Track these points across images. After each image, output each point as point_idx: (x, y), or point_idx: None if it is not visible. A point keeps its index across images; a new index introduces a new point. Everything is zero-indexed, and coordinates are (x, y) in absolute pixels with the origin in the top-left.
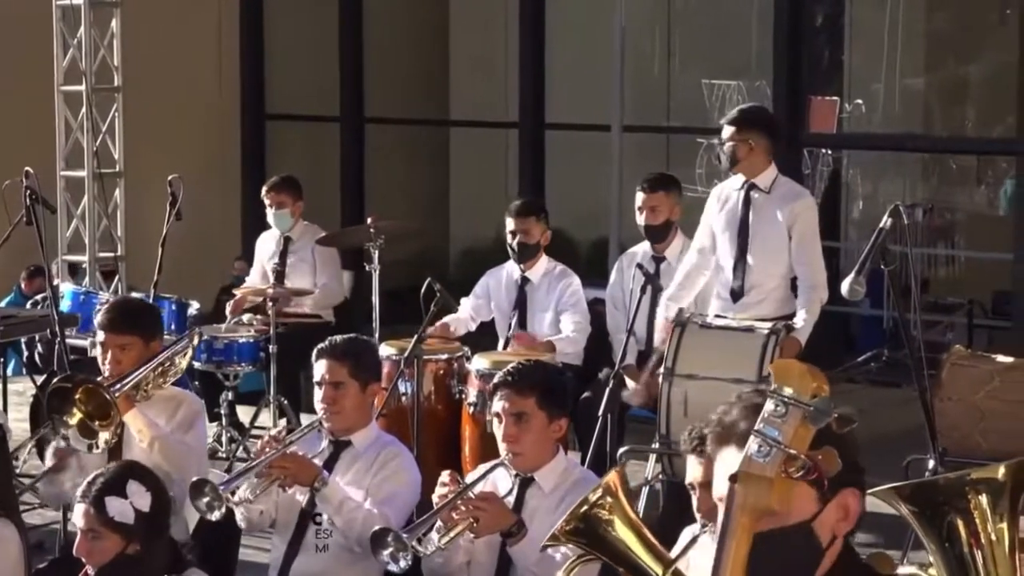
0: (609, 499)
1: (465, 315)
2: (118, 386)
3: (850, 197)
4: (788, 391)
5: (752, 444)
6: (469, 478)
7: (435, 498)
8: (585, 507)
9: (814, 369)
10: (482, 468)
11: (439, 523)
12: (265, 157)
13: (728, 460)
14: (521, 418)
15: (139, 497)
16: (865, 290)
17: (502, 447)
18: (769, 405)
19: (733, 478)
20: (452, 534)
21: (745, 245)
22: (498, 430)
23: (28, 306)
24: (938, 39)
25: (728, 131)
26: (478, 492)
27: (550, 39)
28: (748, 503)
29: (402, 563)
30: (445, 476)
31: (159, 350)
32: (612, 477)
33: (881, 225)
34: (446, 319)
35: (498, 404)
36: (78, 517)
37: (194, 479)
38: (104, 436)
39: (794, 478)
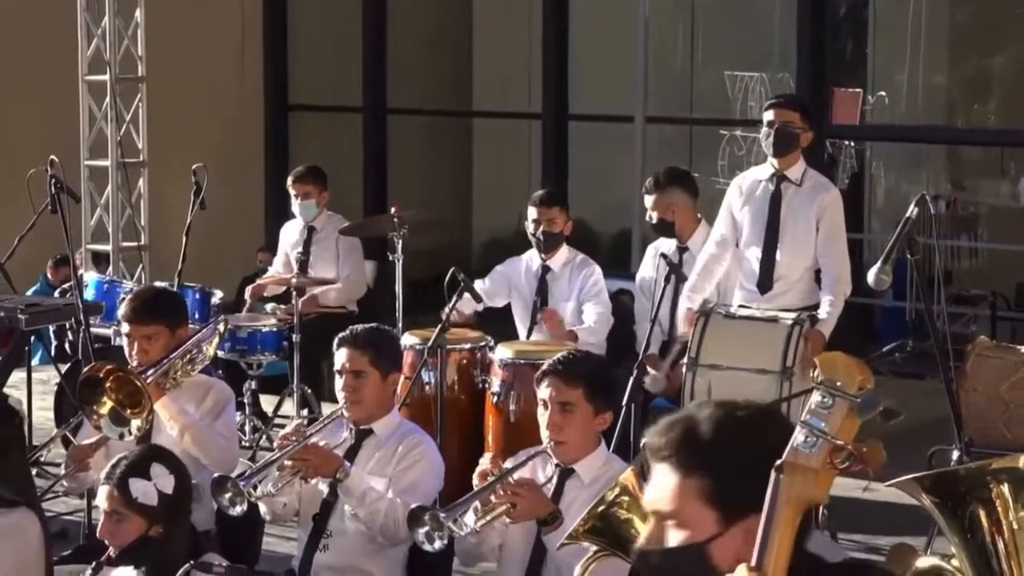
0: (626, 498)
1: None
2: (149, 373)
3: (873, 189)
4: (837, 383)
5: (799, 435)
6: (509, 463)
7: (475, 479)
8: (602, 506)
9: (860, 362)
10: (523, 455)
11: (476, 504)
12: (288, 148)
13: (660, 475)
14: (567, 407)
15: (163, 479)
16: (891, 280)
17: (545, 435)
18: (816, 396)
19: (779, 468)
20: (489, 517)
21: (775, 237)
22: (542, 417)
23: (56, 295)
24: (961, 32)
25: (789, 114)
26: (517, 477)
27: (573, 30)
28: (793, 494)
29: (437, 543)
30: (486, 459)
31: (186, 337)
32: (628, 476)
33: (907, 215)
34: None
35: (545, 391)
36: (102, 498)
37: (216, 475)
38: (136, 423)
39: (839, 469)
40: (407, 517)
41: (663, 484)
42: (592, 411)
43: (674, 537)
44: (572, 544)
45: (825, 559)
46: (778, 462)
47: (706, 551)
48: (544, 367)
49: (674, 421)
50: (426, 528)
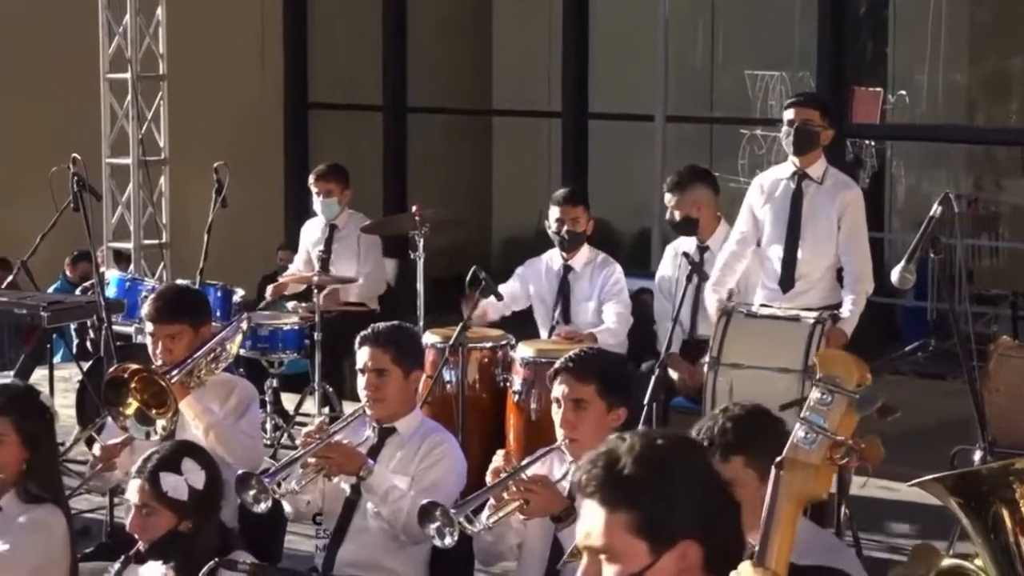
0: None
1: (500, 303)
2: (173, 373)
3: (893, 188)
4: (835, 379)
5: (799, 431)
6: (523, 461)
7: (488, 476)
8: None
9: (858, 359)
10: (537, 452)
11: (490, 501)
12: (307, 146)
13: (587, 511)
14: (580, 404)
15: (194, 474)
16: (915, 278)
17: (559, 432)
18: (815, 393)
19: (779, 465)
20: (501, 514)
21: (796, 236)
22: (556, 415)
23: (78, 292)
24: (982, 30)
25: (810, 113)
26: (531, 474)
27: (594, 28)
28: (793, 490)
29: (448, 539)
30: (499, 455)
31: (209, 336)
32: None
33: (931, 213)
34: (482, 303)
35: (558, 389)
36: (132, 492)
37: (239, 472)
38: (161, 423)
39: (838, 464)
40: (418, 512)
41: (591, 520)
42: (605, 407)
43: (608, 571)
44: (572, 561)
45: (795, 564)
46: (778, 459)
47: None
48: (556, 365)
49: (596, 456)
50: (437, 523)
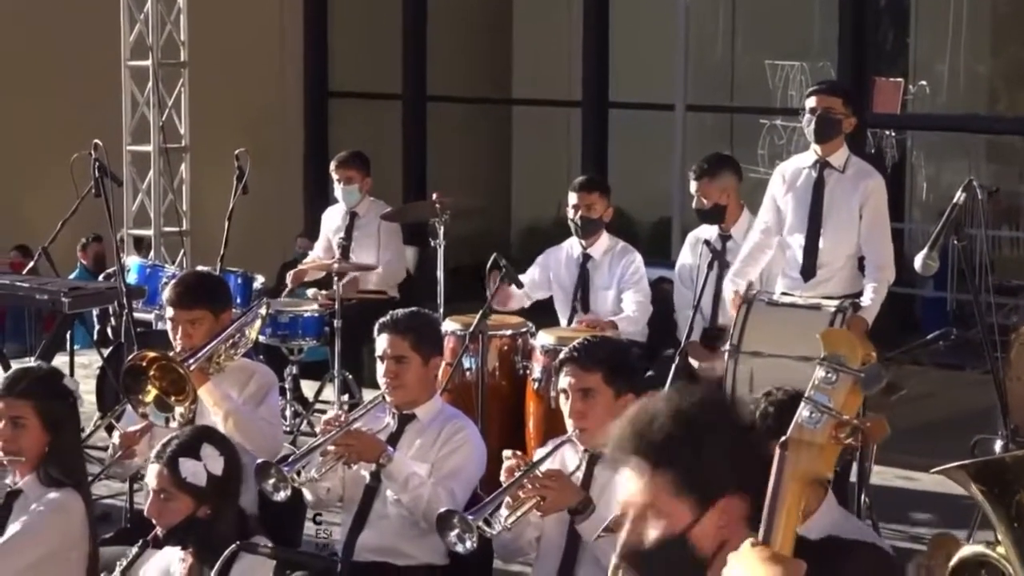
0: None
1: (521, 291)
2: (192, 360)
3: (914, 178)
4: (840, 358)
5: (803, 411)
6: (536, 455)
7: (502, 476)
8: None
9: (863, 337)
10: (549, 445)
11: (507, 500)
12: (327, 134)
13: (627, 475)
14: (588, 394)
15: (213, 460)
16: (938, 265)
17: (569, 423)
18: (820, 372)
19: (784, 445)
20: (519, 513)
21: (818, 224)
22: (565, 406)
23: (100, 279)
24: (1003, 20)
25: (831, 100)
26: (544, 469)
27: (614, 18)
28: (799, 470)
29: (468, 544)
30: (511, 454)
31: (229, 322)
32: None
33: (954, 200)
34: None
35: (564, 380)
36: (151, 477)
37: (259, 461)
38: (180, 410)
39: (843, 443)
40: (436, 521)
41: (632, 483)
42: (613, 394)
43: (653, 530)
44: (607, 536)
45: (807, 539)
46: (782, 439)
47: (687, 539)
48: (561, 356)
49: (631, 420)
50: (456, 531)
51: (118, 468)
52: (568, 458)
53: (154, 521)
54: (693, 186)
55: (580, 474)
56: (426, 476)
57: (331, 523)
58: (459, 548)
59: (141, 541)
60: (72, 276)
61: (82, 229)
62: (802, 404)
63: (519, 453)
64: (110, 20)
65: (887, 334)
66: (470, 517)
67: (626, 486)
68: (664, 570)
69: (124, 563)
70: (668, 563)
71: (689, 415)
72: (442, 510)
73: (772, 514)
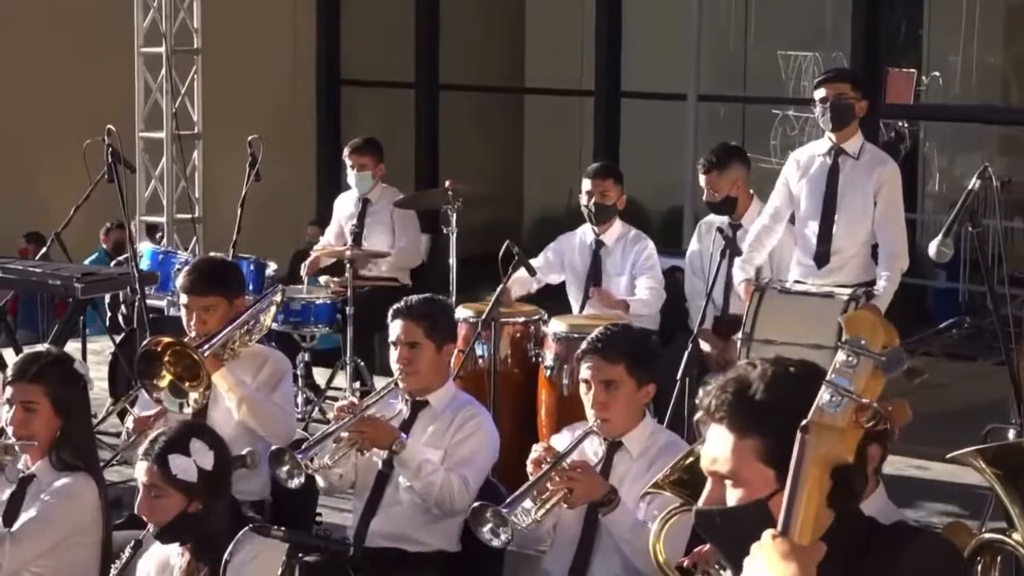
0: None
1: (526, 275)
2: (206, 347)
3: (927, 169)
4: (861, 341)
5: (824, 394)
6: (553, 442)
7: (529, 468)
8: (691, 458)
9: (885, 321)
10: (573, 437)
11: (534, 493)
12: (339, 123)
13: (715, 436)
14: (610, 385)
15: (202, 455)
16: (953, 252)
17: (590, 414)
18: (841, 355)
19: (804, 428)
20: (548, 505)
21: (832, 211)
22: (586, 397)
23: (112, 265)
24: (1016, 11)
25: (841, 86)
26: (571, 461)
27: (626, 7)
28: (820, 453)
29: (503, 537)
30: (539, 447)
31: (243, 308)
32: None
33: (969, 187)
34: (514, 276)
35: (586, 371)
36: (141, 474)
37: (273, 448)
38: (194, 396)
39: (864, 428)
40: (470, 515)
41: (719, 445)
42: (635, 385)
43: (733, 496)
44: (654, 493)
45: (879, 522)
46: (803, 422)
47: (766, 508)
48: (583, 347)
49: (727, 381)
50: (490, 524)
51: (131, 453)
52: (588, 449)
53: (145, 518)
54: (702, 179)
55: (601, 463)
56: (439, 463)
57: (341, 510)
58: (494, 543)
59: (134, 541)
60: (91, 260)
61: (97, 215)
62: (823, 387)
63: (548, 446)
64: (123, 7)
65: (899, 325)
66: (505, 511)
67: (713, 446)
68: (733, 535)
69: (120, 565)
70: (740, 529)
71: (788, 384)
72: (476, 504)
73: (792, 499)
